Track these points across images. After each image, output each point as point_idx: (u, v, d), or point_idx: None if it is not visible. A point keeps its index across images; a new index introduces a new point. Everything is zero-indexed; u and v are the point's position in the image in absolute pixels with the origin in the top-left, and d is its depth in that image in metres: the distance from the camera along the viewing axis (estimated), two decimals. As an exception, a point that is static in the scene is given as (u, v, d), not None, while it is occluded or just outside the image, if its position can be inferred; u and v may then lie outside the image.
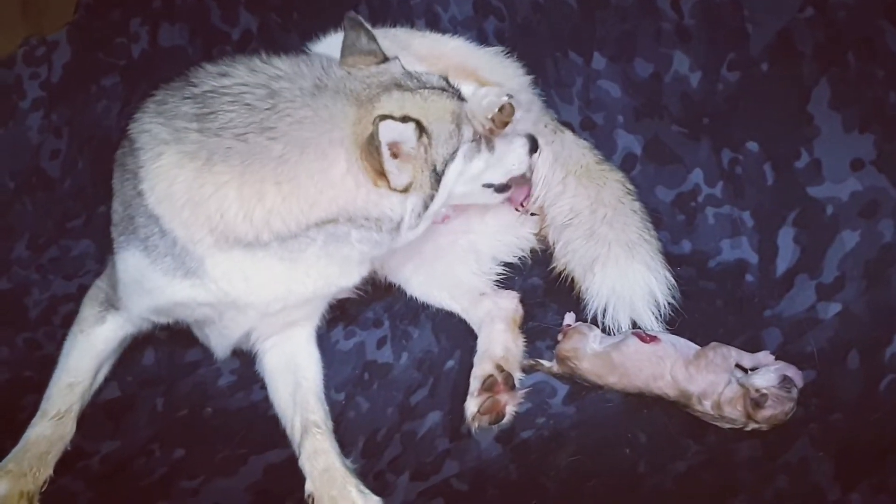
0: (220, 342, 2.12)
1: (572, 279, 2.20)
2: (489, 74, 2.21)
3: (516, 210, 2.26)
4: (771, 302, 2.18)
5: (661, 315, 2.08)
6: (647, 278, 2.10)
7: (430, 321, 2.29)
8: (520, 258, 2.35)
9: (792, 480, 1.75)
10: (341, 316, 2.30)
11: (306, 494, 1.86)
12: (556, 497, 1.82)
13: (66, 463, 1.97)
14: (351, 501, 1.82)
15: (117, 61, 2.94)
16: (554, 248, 2.25)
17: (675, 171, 2.42)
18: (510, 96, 1.94)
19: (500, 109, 1.92)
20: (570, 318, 2.17)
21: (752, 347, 2.00)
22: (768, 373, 1.87)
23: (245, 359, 2.22)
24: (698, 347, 1.97)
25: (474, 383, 2.02)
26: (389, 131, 1.69)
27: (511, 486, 1.87)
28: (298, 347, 2.13)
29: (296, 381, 2.07)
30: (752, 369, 1.92)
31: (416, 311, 2.32)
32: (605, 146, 2.44)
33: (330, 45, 2.14)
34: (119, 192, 1.96)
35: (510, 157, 2.02)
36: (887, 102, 2.12)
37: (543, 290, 2.32)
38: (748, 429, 1.85)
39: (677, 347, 1.98)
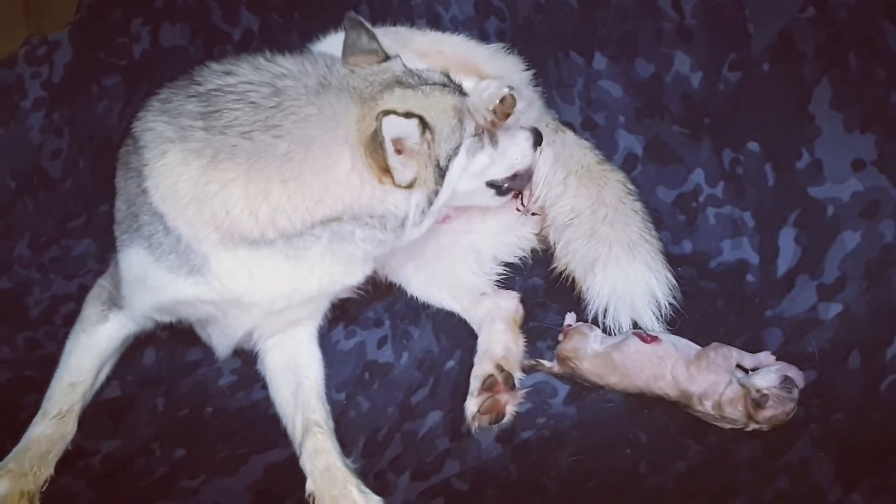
0: (223, 341, 2.12)
1: (573, 279, 2.20)
2: (490, 70, 2.21)
3: (517, 210, 2.27)
4: (772, 302, 2.18)
5: (661, 315, 2.08)
6: (647, 278, 2.10)
7: (431, 321, 2.29)
8: (520, 258, 2.35)
9: (793, 481, 1.75)
10: (342, 316, 2.30)
11: (307, 494, 1.86)
12: (556, 497, 1.82)
13: (67, 462, 1.97)
14: (352, 501, 1.82)
15: (118, 61, 2.95)
16: (555, 249, 2.25)
17: (676, 172, 2.42)
18: (511, 88, 1.94)
19: (502, 101, 1.92)
20: (570, 318, 2.17)
21: (753, 348, 2.00)
22: (769, 373, 1.87)
23: (246, 358, 2.22)
24: (699, 348, 1.97)
25: (474, 383, 2.02)
26: (393, 127, 1.69)
27: (511, 485, 1.87)
28: (300, 347, 2.13)
29: (297, 380, 2.07)
30: (753, 370, 1.92)
31: (416, 310, 2.32)
32: (606, 146, 2.44)
33: (331, 44, 2.14)
34: (122, 190, 1.96)
35: (514, 151, 2.01)
36: (888, 102, 2.12)
37: (544, 290, 2.32)
38: (749, 429, 1.85)
39: (678, 348, 1.98)
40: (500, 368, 2.03)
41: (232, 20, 2.87)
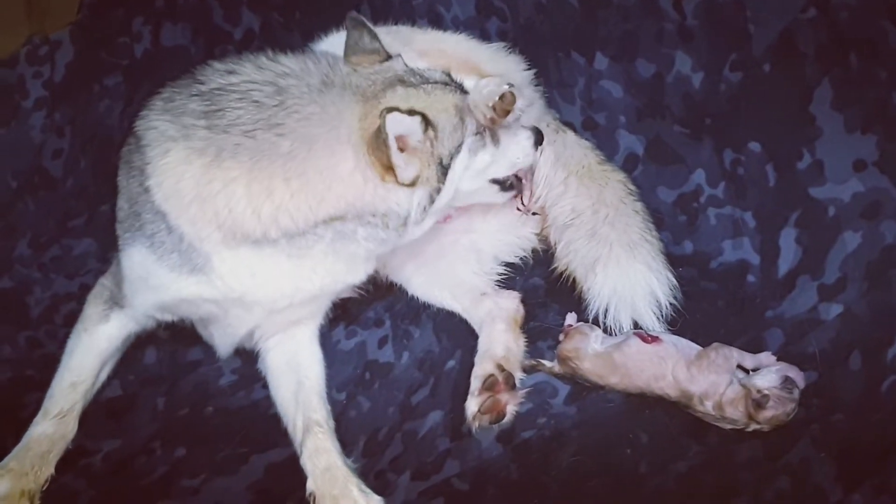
0: (224, 340, 2.12)
1: (574, 279, 2.20)
2: (491, 70, 2.20)
3: (518, 210, 2.27)
4: (772, 303, 2.18)
5: (662, 315, 2.08)
6: (648, 279, 2.10)
7: (432, 321, 2.29)
8: (521, 258, 2.35)
9: (793, 481, 1.75)
10: (343, 315, 2.30)
11: (307, 493, 1.86)
12: (557, 497, 1.82)
13: (68, 461, 1.97)
14: (352, 500, 1.82)
15: (120, 61, 2.95)
16: (555, 249, 2.25)
17: (676, 172, 2.42)
18: (511, 85, 1.94)
19: (501, 97, 1.91)
20: (571, 318, 2.17)
21: (754, 348, 1.99)
22: (770, 373, 1.87)
23: (246, 358, 2.22)
24: (700, 348, 1.97)
25: (475, 383, 2.02)
26: (396, 124, 1.69)
27: (512, 485, 1.87)
28: (301, 346, 2.13)
29: (298, 379, 2.07)
30: (754, 370, 1.92)
31: (417, 310, 2.32)
32: (606, 146, 2.44)
33: (333, 43, 2.14)
34: (125, 189, 1.96)
35: (515, 150, 2.01)
36: (890, 103, 2.11)
37: (545, 290, 2.32)
38: (749, 429, 1.85)
39: (679, 348, 1.98)
40: (501, 368, 2.03)
41: (233, 20, 2.88)
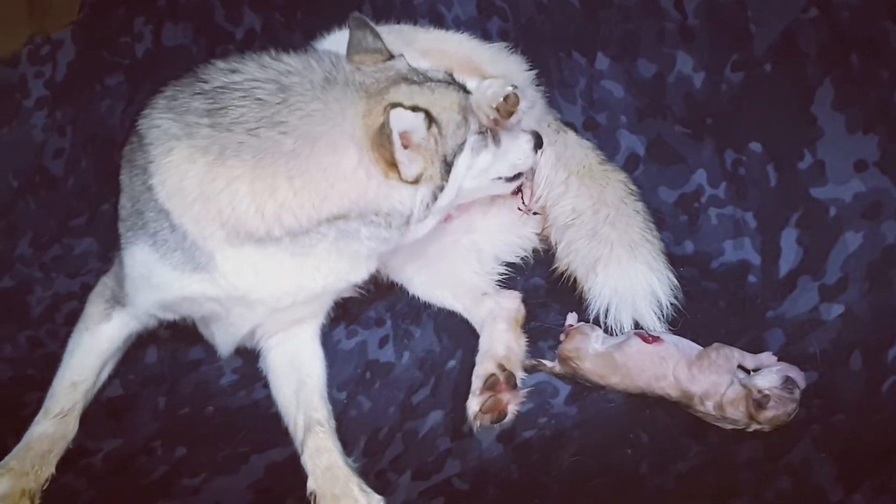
0: (226, 339, 2.12)
1: (574, 279, 2.20)
2: (493, 70, 2.20)
3: (518, 210, 2.27)
4: (773, 303, 2.18)
5: (663, 316, 2.08)
6: (649, 279, 2.10)
7: (432, 320, 2.29)
8: (522, 258, 2.35)
9: (794, 481, 1.75)
10: (343, 315, 2.30)
11: (308, 492, 1.86)
12: (557, 497, 1.82)
13: (69, 461, 1.97)
14: (353, 500, 1.82)
15: (121, 60, 2.95)
16: (556, 249, 2.25)
17: (678, 172, 2.42)
18: (514, 86, 1.94)
19: (505, 99, 1.91)
20: (572, 318, 2.17)
21: (755, 348, 1.99)
22: (771, 374, 1.87)
23: (247, 357, 2.22)
24: (701, 348, 1.97)
25: (476, 382, 2.02)
26: (400, 120, 1.69)
27: (512, 485, 1.87)
28: (303, 345, 2.13)
29: (299, 379, 2.07)
30: (755, 370, 1.92)
31: (418, 310, 2.32)
32: (607, 146, 2.44)
33: (334, 42, 2.15)
34: (127, 187, 1.96)
35: (516, 152, 2.01)
36: (891, 103, 2.11)
37: (546, 290, 2.32)
38: (750, 430, 1.85)
39: (680, 348, 1.98)
40: (502, 368, 2.03)
41: (234, 19, 2.88)
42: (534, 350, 2.16)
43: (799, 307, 2.14)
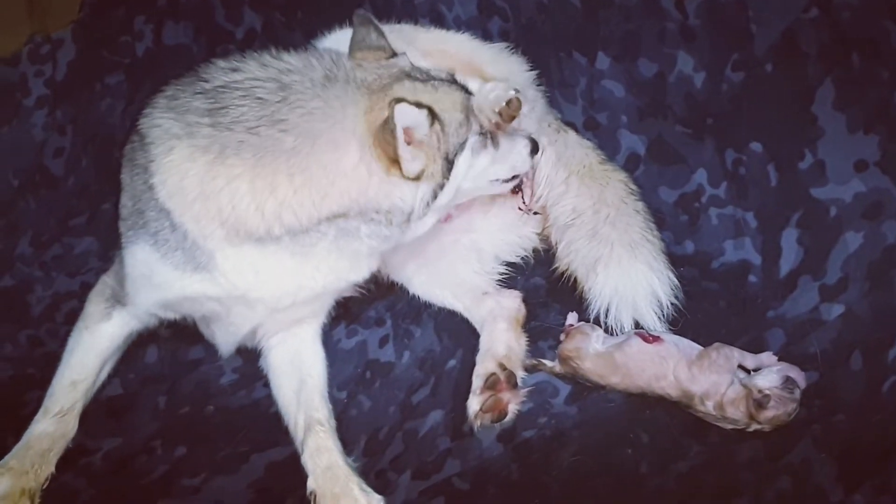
0: (227, 338, 2.12)
1: (575, 279, 2.20)
2: (494, 71, 2.21)
3: (519, 209, 2.27)
4: (774, 303, 2.18)
5: (663, 315, 2.08)
6: (649, 279, 2.10)
7: (433, 320, 2.29)
8: (522, 258, 2.35)
9: (794, 481, 1.75)
10: (344, 314, 2.30)
11: (308, 492, 1.86)
12: (557, 497, 1.82)
13: (69, 460, 1.98)
14: (353, 499, 1.82)
15: (122, 59, 2.95)
16: (556, 248, 2.25)
17: (678, 172, 2.42)
18: (517, 90, 1.94)
19: (508, 103, 1.92)
20: (572, 317, 2.17)
21: (755, 348, 1.99)
22: (771, 373, 1.87)
23: (247, 357, 2.22)
24: (701, 348, 1.97)
25: (476, 381, 2.02)
26: (404, 115, 1.69)
27: (513, 485, 1.87)
28: (304, 345, 2.13)
29: (300, 378, 2.07)
30: (755, 370, 1.92)
31: (418, 309, 2.32)
32: (608, 146, 2.44)
33: (335, 41, 2.14)
34: (128, 186, 1.96)
35: (514, 156, 2.02)
36: (892, 103, 2.11)
37: (546, 289, 2.32)
38: (750, 429, 1.85)
39: (680, 348, 1.98)
40: (503, 367, 2.03)
41: (235, 19, 2.88)
42: (534, 350, 2.16)
43: (799, 307, 2.14)
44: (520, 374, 2.06)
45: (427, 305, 2.32)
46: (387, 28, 2.07)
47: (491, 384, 2.00)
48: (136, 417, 2.16)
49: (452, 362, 2.18)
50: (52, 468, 1.92)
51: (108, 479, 1.98)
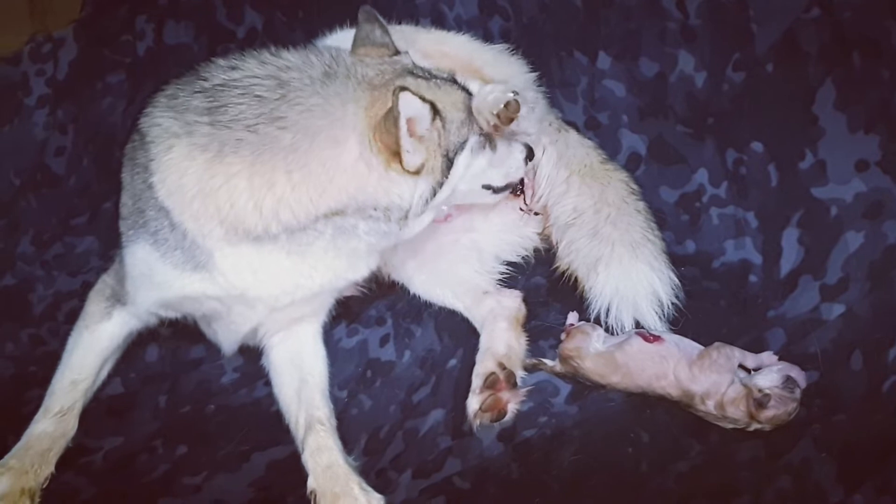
0: (228, 337, 2.12)
1: (576, 279, 2.20)
2: (494, 72, 2.21)
3: (520, 209, 2.27)
4: (775, 303, 2.18)
5: (664, 315, 2.08)
6: (650, 278, 2.10)
7: (433, 319, 2.29)
8: (523, 257, 2.35)
9: (794, 481, 1.74)
10: (344, 314, 2.30)
11: (309, 491, 1.86)
12: (558, 496, 1.82)
13: (70, 459, 1.98)
14: (353, 498, 1.82)
15: (123, 59, 2.95)
16: (557, 248, 2.25)
17: (679, 171, 2.42)
18: (516, 93, 1.94)
19: (506, 105, 1.92)
20: (573, 317, 2.17)
21: (756, 348, 1.99)
22: (771, 373, 1.87)
23: (248, 356, 2.22)
24: (702, 347, 1.97)
25: (476, 381, 2.02)
26: (408, 105, 1.69)
27: (513, 484, 1.87)
28: (305, 344, 2.13)
29: (301, 377, 2.07)
30: (756, 370, 1.92)
31: (418, 309, 2.32)
32: (609, 146, 2.44)
33: (337, 40, 2.15)
34: (128, 185, 1.97)
35: (510, 161, 2.02)
36: (893, 103, 2.12)
37: (547, 289, 2.32)
38: (751, 429, 1.85)
39: (681, 347, 1.98)
40: (502, 366, 2.03)
41: (236, 18, 2.88)
42: (534, 349, 2.16)
43: (800, 307, 2.14)
44: (519, 373, 2.06)
45: (428, 305, 2.32)
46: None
47: (490, 383, 2.00)
48: (137, 416, 2.16)
49: (453, 362, 2.18)
50: (51, 468, 1.92)
51: (109, 478, 1.98)
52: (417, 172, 1.79)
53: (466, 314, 2.27)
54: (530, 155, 2.07)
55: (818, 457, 1.77)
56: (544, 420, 1.99)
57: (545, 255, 2.33)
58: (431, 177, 1.82)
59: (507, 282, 2.31)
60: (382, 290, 2.34)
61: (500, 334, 2.13)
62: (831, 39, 2.18)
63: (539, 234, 2.33)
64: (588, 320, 2.13)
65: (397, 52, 1.93)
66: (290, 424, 2.02)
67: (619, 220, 2.19)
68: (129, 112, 2.81)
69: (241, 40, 2.86)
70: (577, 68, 2.52)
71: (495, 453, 1.94)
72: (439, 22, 2.61)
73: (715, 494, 1.75)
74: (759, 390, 1.82)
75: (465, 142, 1.86)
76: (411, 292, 2.33)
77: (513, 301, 2.22)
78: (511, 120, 1.94)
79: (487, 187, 2.03)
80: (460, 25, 2.60)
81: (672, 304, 2.09)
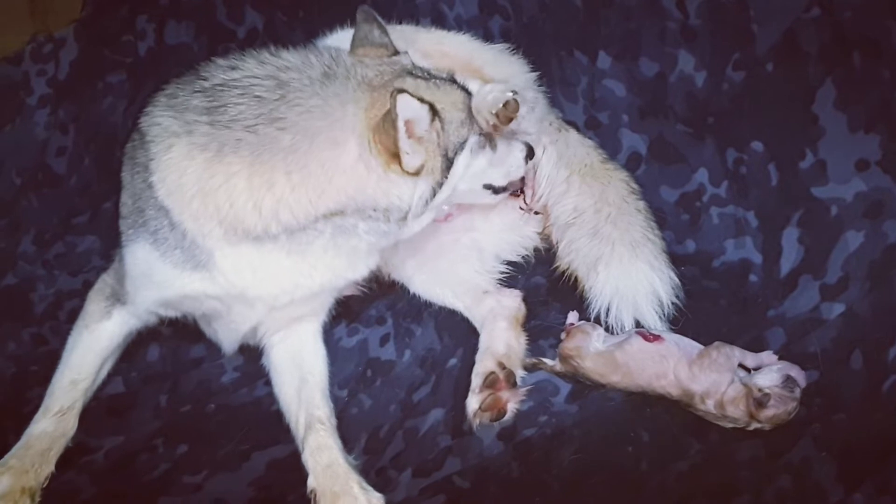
0: (228, 336, 2.13)
1: (576, 278, 2.20)
2: (494, 71, 2.21)
3: (520, 209, 2.27)
4: (775, 302, 2.18)
5: (664, 314, 2.08)
6: (650, 278, 2.10)
7: (433, 319, 2.29)
8: (523, 257, 2.35)
9: (794, 480, 1.75)
10: (344, 313, 2.30)
11: (309, 490, 1.86)
12: (557, 495, 1.82)
13: (71, 458, 1.98)
14: (353, 497, 1.82)
15: (124, 58, 2.95)
16: (557, 247, 2.25)
17: (679, 171, 2.42)
18: (515, 92, 1.94)
19: (505, 105, 1.92)
20: (573, 316, 2.17)
21: (756, 347, 1.99)
22: (771, 372, 1.87)
23: (248, 356, 2.23)
24: (702, 347, 1.97)
25: (476, 380, 2.02)
26: (406, 107, 1.69)
27: (513, 483, 1.87)
28: (305, 343, 2.13)
29: (301, 376, 2.07)
30: (756, 369, 1.92)
31: (418, 308, 2.32)
32: (609, 145, 2.44)
33: (336, 42, 2.15)
34: (128, 184, 1.97)
35: (510, 160, 2.02)
36: (893, 103, 2.12)
37: (547, 288, 2.32)
38: (751, 428, 1.85)
39: (681, 347, 1.98)
40: (502, 366, 2.04)
41: (236, 18, 2.88)
42: (534, 348, 2.16)
43: (800, 306, 2.14)
44: (519, 372, 2.07)
45: (428, 304, 2.32)
46: (387, 28, 2.08)
47: (490, 383, 2.00)
48: (138, 415, 2.16)
49: (453, 361, 2.19)
50: (52, 467, 1.92)
51: (109, 477, 1.99)
52: (417, 173, 1.79)
53: (466, 314, 2.27)
54: (530, 154, 2.07)
55: (818, 456, 1.77)
56: (544, 419, 1.99)
57: (545, 255, 2.33)
58: (431, 177, 1.82)
59: (508, 281, 2.31)
60: (382, 289, 2.34)
61: (500, 334, 2.13)
62: (831, 39, 2.18)
63: (539, 233, 2.33)
64: (588, 320, 2.13)
65: (396, 52, 1.93)
66: (290, 423, 2.03)
67: (619, 219, 2.19)
68: (129, 112, 2.82)
69: (242, 40, 2.86)
70: (578, 68, 2.52)
71: (495, 452, 1.94)
72: (439, 21, 2.62)
73: (715, 494, 1.75)
74: (759, 389, 1.82)
75: (464, 141, 1.86)
76: (411, 292, 2.33)
77: (513, 300, 2.22)
78: (510, 119, 1.94)
79: (488, 187, 2.03)
80: (460, 25, 2.60)
81: (672, 303, 2.09)
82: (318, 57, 1.85)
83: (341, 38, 2.12)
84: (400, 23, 2.47)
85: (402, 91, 1.68)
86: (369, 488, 1.85)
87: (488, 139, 1.95)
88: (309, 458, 1.90)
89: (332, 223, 1.82)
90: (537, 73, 2.38)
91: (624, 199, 2.23)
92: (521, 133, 2.09)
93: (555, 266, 2.25)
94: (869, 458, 1.75)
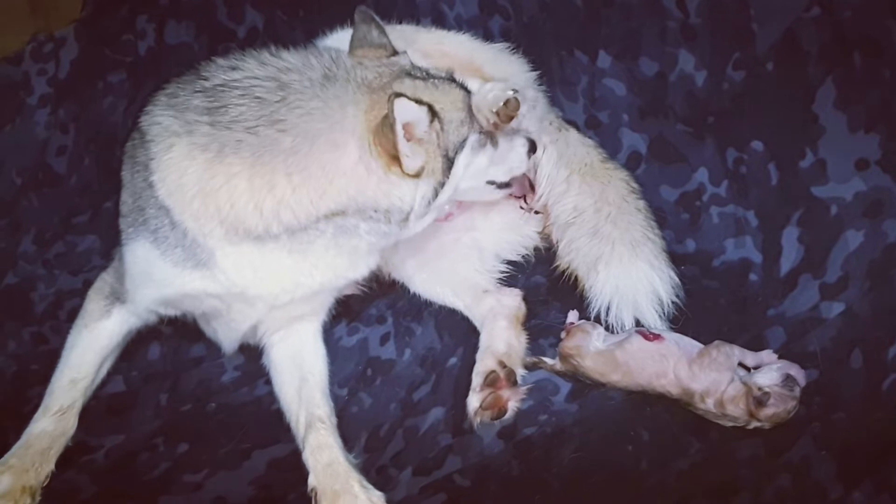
0: (228, 335, 2.13)
1: (576, 277, 2.20)
2: (494, 70, 2.21)
3: (520, 208, 2.27)
4: (774, 301, 2.18)
5: (664, 313, 2.08)
6: (650, 277, 2.10)
7: (433, 318, 2.29)
8: (523, 256, 2.35)
9: (794, 479, 1.75)
10: (345, 312, 2.30)
11: (309, 489, 1.86)
12: (558, 493, 1.83)
13: (71, 457, 1.98)
14: (353, 496, 1.82)
15: (124, 58, 2.96)
16: (557, 247, 2.25)
17: (679, 170, 2.42)
18: (515, 91, 1.94)
19: (506, 103, 1.92)
20: (573, 315, 2.17)
21: (756, 346, 2.00)
22: (771, 371, 1.87)
23: (249, 355, 2.23)
24: (702, 346, 1.97)
25: (476, 379, 2.02)
26: (404, 110, 1.69)
27: (513, 482, 1.87)
28: (305, 342, 2.13)
29: (302, 375, 2.07)
30: (755, 368, 1.93)
31: (419, 307, 2.32)
32: (609, 145, 2.44)
33: (336, 41, 2.15)
34: (129, 183, 1.97)
35: (512, 156, 2.02)
36: (893, 102, 2.12)
37: (547, 288, 2.32)
38: (750, 427, 1.85)
39: (681, 346, 1.98)
40: (502, 365, 2.04)
41: (237, 17, 2.88)
42: (534, 347, 2.16)
43: (800, 305, 2.14)
44: (519, 371, 2.07)
45: (428, 303, 2.32)
46: (387, 28, 2.08)
47: (490, 382, 2.00)
48: (139, 414, 2.16)
49: (453, 360, 2.19)
50: (52, 466, 1.92)
51: (110, 476, 1.99)
52: (418, 175, 1.79)
53: (467, 313, 2.27)
54: (533, 148, 2.07)
55: (818, 455, 1.77)
56: (544, 418, 2.00)
57: (545, 254, 2.33)
58: (433, 178, 1.82)
59: (508, 280, 2.31)
60: (383, 288, 2.34)
61: (501, 333, 2.13)
62: (832, 39, 2.18)
63: (539, 232, 2.33)
64: (588, 319, 2.13)
65: (395, 53, 1.93)
66: (290, 422, 2.03)
67: (619, 218, 2.19)
68: (130, 111, 2.82)
69: (242, 40, 2.86)
70: (578, 67, 2.52)
71: (496, 451, 1.94)
72: (439, 21, 2.62)
73: (715, 492, 1.76)
74: (759, 388, 1.82)
75: (464, 140, 1.86)
76: (411, 291, 2.33)
77: (513, 300, 2.22)
78: (511, 118, 1.94)
79: (491, 183, 2.04)
80: (460, 25, 2.60)
81: (672, 302, 2.09)
82: (319, 58, 1.85)
83: (341, 38, 2.12)
84: (400, 22, 2.47)
85: (399, 95, 1.68)
86: (370, 487, 1.85)
87: (489, 136, 1.95)
88: (309, 457, 1.90)
89: (334, 223, 1.82)
90: (537, 73, 2.38)
91: (624, 199, 2.23)
92: (521, 132, 2.09)
93: (555, 265, 2.25)
94: (868, 456, 1.75)
